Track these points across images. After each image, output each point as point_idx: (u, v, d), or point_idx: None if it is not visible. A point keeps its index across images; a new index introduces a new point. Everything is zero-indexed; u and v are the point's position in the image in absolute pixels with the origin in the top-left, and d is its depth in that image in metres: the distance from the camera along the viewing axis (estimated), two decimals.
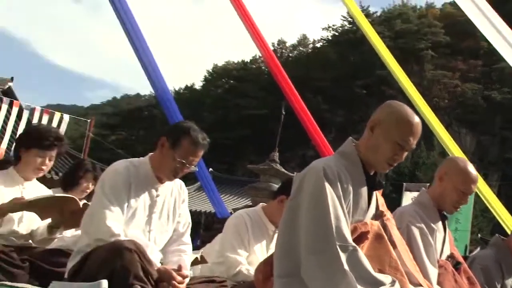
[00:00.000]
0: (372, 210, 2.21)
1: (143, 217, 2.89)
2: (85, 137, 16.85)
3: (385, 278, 1.92)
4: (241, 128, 40.67)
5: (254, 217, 3.69)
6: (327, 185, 2.03)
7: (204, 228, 21.21)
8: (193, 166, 2.94)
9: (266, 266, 2.22)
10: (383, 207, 2.29)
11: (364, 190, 2.18)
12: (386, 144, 2.17)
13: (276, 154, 14.36)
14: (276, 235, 3.68)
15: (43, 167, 3.45)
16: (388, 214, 2.28)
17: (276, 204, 3.64)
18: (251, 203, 13.36)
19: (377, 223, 2.15)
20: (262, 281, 2.21)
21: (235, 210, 15.27)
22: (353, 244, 1.96)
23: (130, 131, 45.88)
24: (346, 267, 1.87)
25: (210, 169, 23.17)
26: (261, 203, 3.85)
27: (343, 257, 1.90)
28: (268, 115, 37.62)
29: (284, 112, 14.25)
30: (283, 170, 14.27)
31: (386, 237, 2.12)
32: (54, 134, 3.52)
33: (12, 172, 3.48)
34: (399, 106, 2.25)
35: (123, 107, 55.41)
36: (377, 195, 2.29)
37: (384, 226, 2.18)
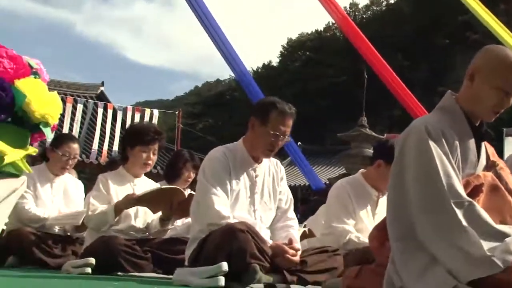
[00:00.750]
0: (482, 161, 2.13)
1: (246, 198, 2.98)
2: (174, 129, 17.43)
3: (510, 229, 1.85)
4: (323, 98, 40.23)
5: (355, 185, 3.68)
6: (431, 144, 1.97)
7: (302, 201, 21.34)
8: (287, 137, 2.98)
9: (380, 231, 2.21)
10: (494, 157, 2.20)
11: (472, 143, 2.10)
12: (489, 91, 2.06)
13: (364, 118, 14.09)
14: (380, 200, 3.67)
15: (149, 162, 3.65)
16: (500, 163, 2.19)
17: (374, 170, 3.61)
18: (345, 171, 13.25)
19: (490, 174, 2.06)
20: (378, 247, 2.21)
21: (330, 180, 15.28)
22: (468, 198, 1.90)
23: (215, 116, 46.82)
24: (464, 223, 1.83)
25: (299, 143, 23.22)
26: (360, 170, 3.83)
27: (459, 213, 1.85)
28: (348, 81, 36.92)
29: (366, 75, 13.91)
30: (373, 134, 14.00)
31: (502, 187, 2.04)
32: (153, 129, 3.71)
33: (122, 171, 3.71)
34: (499, 49, 2.13)
35: (205, 94, 56.61)
36: (486, 145, 2.20)
37: (499, 176, 2.09)
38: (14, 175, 2.07)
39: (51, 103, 2.07)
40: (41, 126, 2.06)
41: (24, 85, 2.01)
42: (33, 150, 2.13)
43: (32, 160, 2.10)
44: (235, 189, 2.93)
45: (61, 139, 4.25)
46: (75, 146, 4.18)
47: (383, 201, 3.65)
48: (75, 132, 11.72)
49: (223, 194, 2.85)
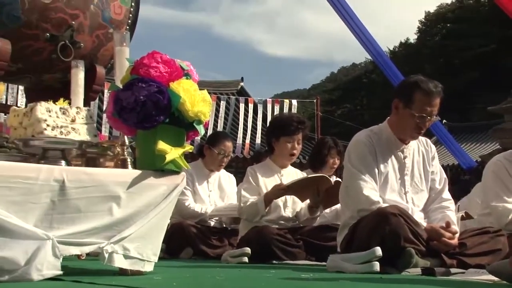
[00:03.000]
0: None
1: (396, 180, 2.89)
2: (313, 117, 17.47)
3: None
4: (468, 70, 37.68)
5: None
6: None
7: (451, 182, 20.29)
8: (434, 117, 2.85)
9: None
10: None
11: None
12: None
13: None
14: None
15: (294, 151, 3.72)
16: None
17: None
18: (499, 147, 12.30)
19: None
20: None
21: (482, 157, 14.27)
22: None
23: (353, 101, 46.12)
24: None
25: (444, 121, 22.04)
26: None
27: None
28: (497, 49, 34.18)
29: None
30: None
31: None
32: (296, 119, 3.77)
33: (269, 163, 3.83)
34: None
35: (341, 79, 56.00)
36: None
37: None
38: (174, 172, 2.24)
39: (202, 101, 2.20)
40: (194, 124, 2.21)
41: (178, 86, 2.15)
42: (189, 147, 2.28)
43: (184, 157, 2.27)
44: (383, 172, 2.86)
45: (217, 137, 4.49)
46: (230, 144, 4.41)
47: None
48: (220, 128, 12.28)
49: (370, 179, 2.80)
